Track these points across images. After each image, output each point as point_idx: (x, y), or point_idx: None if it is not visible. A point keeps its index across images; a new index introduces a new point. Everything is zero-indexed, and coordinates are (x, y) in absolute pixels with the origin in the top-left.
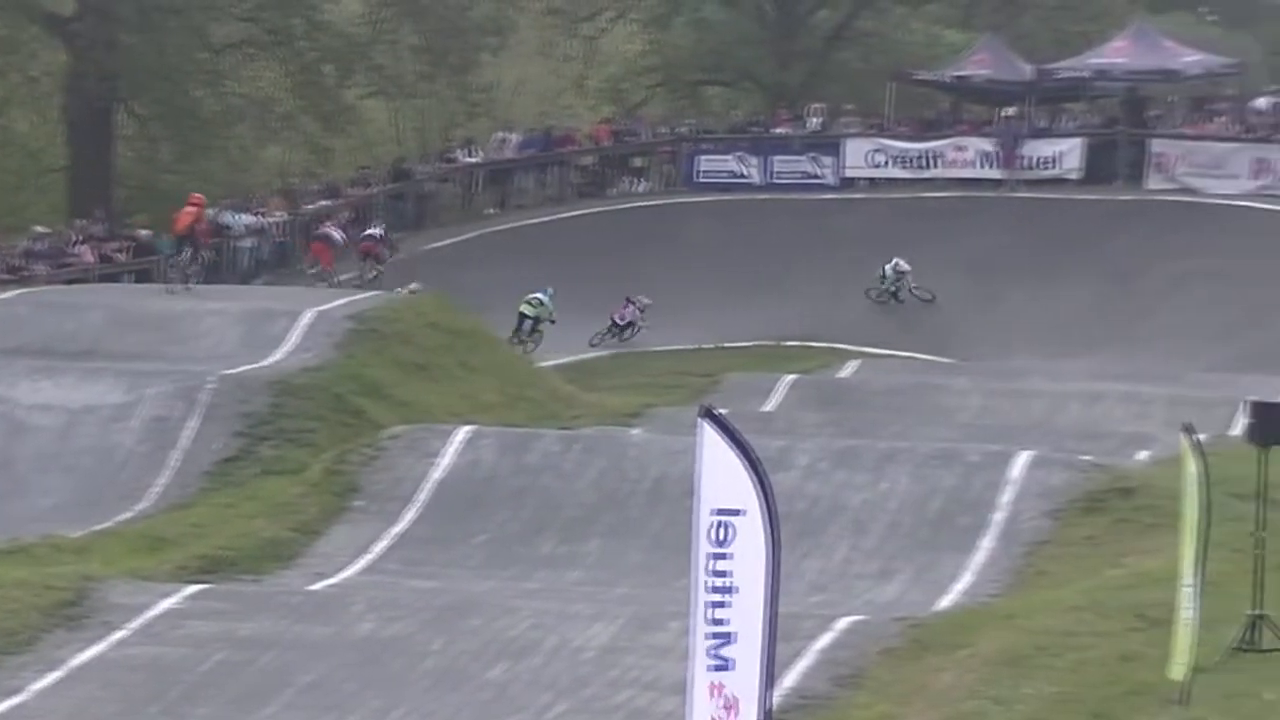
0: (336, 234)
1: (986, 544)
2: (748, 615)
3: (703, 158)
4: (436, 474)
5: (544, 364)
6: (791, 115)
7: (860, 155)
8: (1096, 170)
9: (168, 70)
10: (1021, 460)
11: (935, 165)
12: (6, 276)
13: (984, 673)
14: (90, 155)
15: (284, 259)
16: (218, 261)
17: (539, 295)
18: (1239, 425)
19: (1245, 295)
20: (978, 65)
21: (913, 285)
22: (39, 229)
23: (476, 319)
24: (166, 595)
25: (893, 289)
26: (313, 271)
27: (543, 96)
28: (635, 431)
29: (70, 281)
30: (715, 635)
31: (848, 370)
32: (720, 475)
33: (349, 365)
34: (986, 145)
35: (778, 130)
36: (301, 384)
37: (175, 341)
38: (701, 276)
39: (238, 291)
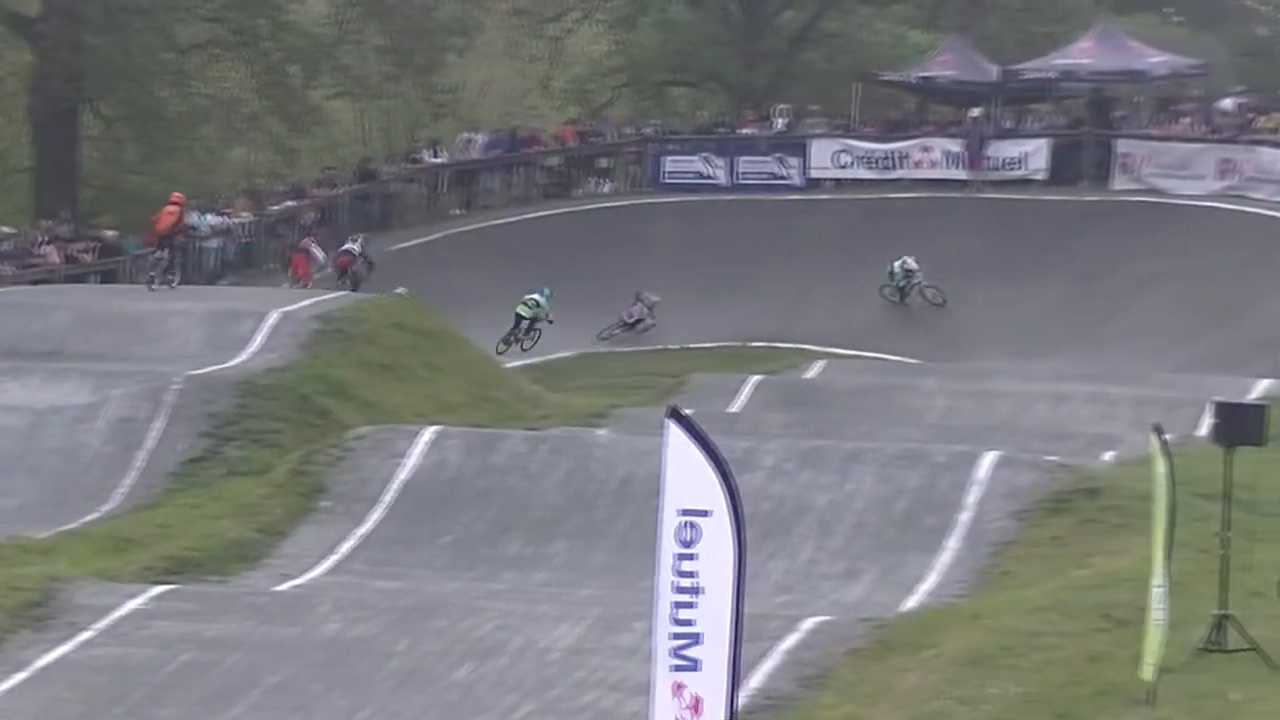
0: (317, 251)
1: (952, 544)
2: (714, 616)
3: (668, 159)
4: (402, 475)
5: (510, 364)
6: (757, 116)
7: (826, 156)
8: (1062, 171)
9: (133, 71)
10: (987, 461)
11: (901, 166)
12: None
13: (949, 673)
14: (55, 156)
15: (250, 260)
16: (184, 262)
17: (535, 296)
18: (1205, 426)
19: (1211, 296)
20: (943, 66)
21: (923, 285)
22: (4, 229)
23: (442, 319)
24: (132, 596)
25: (900, 285)
26: (290, 287)
27: (508, 97)
28: (601, 432)
29: (36, 282)
30: (681, 636)
31: (814, 371)
32: (687, 476)
33: (315, 366)
34: (952, 146)
35: (743, 131)
36: (267, 384)
37: (141, 342)
38: (667, 277)
39: (203, 292)
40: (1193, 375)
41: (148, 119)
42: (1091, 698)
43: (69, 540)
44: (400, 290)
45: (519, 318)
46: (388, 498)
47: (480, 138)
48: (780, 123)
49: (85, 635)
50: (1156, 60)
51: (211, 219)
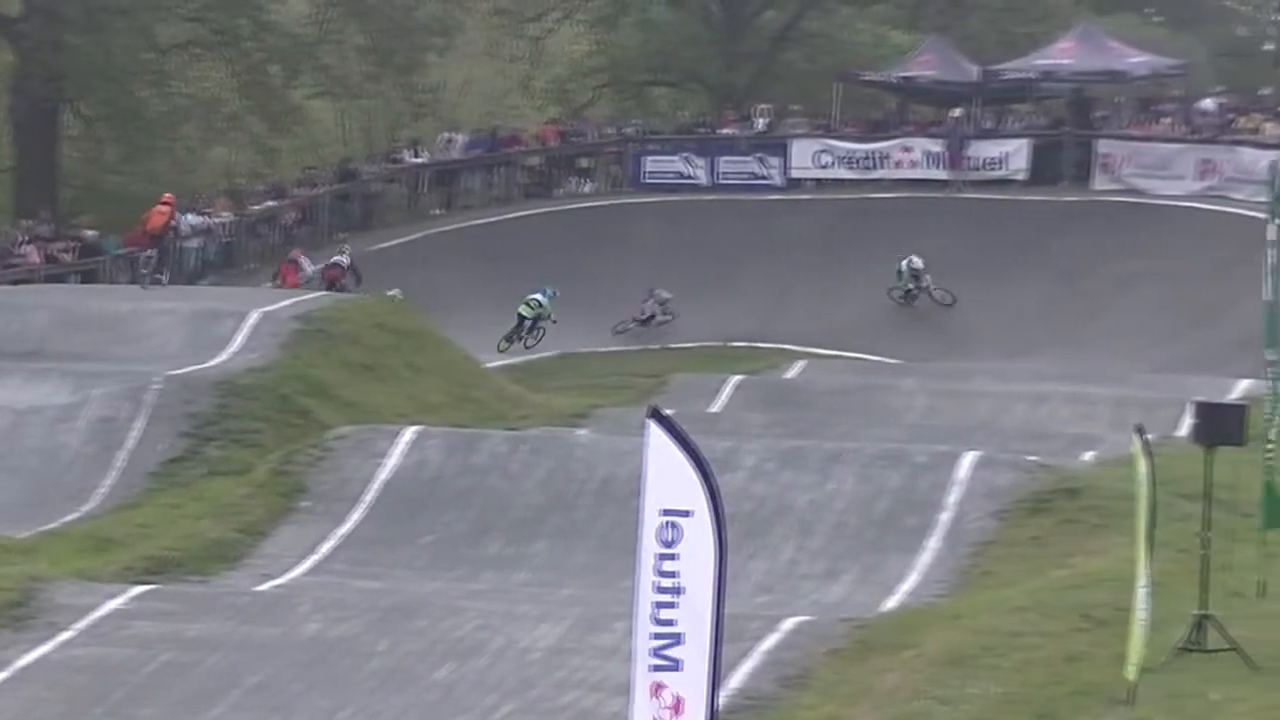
0: (306, 263)
1: (932, 544)
2: (695, 616)
3: (649, 158)
4: (383, 474)
5: (490, 365)
6: (738, 116)
7: (807, 156)
8: (1042, 171)
9: (114, 71)
10: (968, 461)
11: (882, 166)
12: None
13: (930, 673)
14: (36, 156)
15: (230, 259)
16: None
17: (537, 296)
18: (1185, 426)
19: (1191, 296)
20: (924, 66)
21: (932, 287)
22: None
23: (423, 319)
24: (113, 596)
25: (908, 288)
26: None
27: (489, 97)
28: (582, 432)
29: (16, 282)
30: (662, 636)
31: (794, 371)
32: (668, 476)
33: (295, 366)
34: (933, 146)
35: (724, 131)
36: (247, 384)
37: (121, 342)
38: (648, 277)
39: (184, 292)
40: (1173, 375)
41: (128, 119)
42: (1071, 698)
43: (49, 540)
44: (394, 292)
45: (521, 317)
46: (368, 498)
47: (461, 137)
48: (761, 123)
49: (65, 635)
50: (1137, 60)
51: (192, 219)
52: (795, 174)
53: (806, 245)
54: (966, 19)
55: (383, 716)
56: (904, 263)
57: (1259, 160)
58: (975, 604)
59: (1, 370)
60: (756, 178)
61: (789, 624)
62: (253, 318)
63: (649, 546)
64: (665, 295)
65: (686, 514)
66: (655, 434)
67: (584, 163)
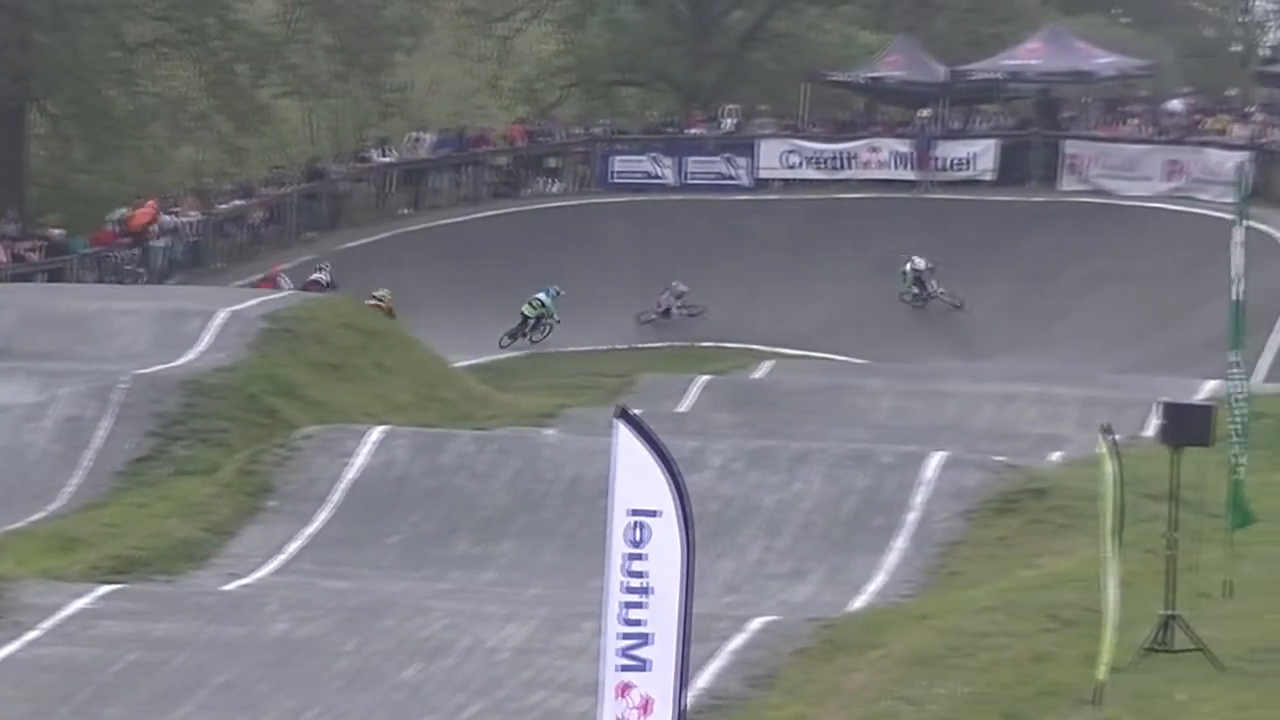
0: (286, 282)
1: (899, 544)
2: (664, 616)
3: (617, 158)
4: (350, 474)
5: (458, 364)
6: (706, 116)
7: (774, 156)
8: (1010, 171)
9: (81, 69)
10: (935, 461)
11: (849, 166)
12: None
13: (896, 673)
14: (2, 154)
15: (198, 259)
16: (121, 262)
17: (540, 296)
18: (1151, 426)
19: (1158, 297)
20: (892, 66)
21: (937, 290)
22: None
23: (391, 319)
24: (79, 595)
25: (915, 291)
26: None
27: (457, 96)
28: (550, 432)
29: None
30: (631, 636)
31: (762, 371)
32: (636, 476)
33: (262, 365)
34: (901, 146)
35: (692, 131)
36: (215, 384)
37: (88, 341)
38: (616, 277)
39: (151, 291)
40: (1139, 376)
41: (95, 117)
42: (1038, 698)
43: (15, 540)
44: (383, 292)
45: (524, 317)
46: (335, 497)
47: (428, 137)
48: (729, 123)
49: (32, 635)
50: (1104, 61)
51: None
52: (763, 174)
53: (774, 245)
54: (934, 19)
55: (350, 716)
56: (907, 265)
57: (1226, 161)
58: (942, 604)
59: None
60: (724, 178)
61: (756, 624)
62: (220, 317)
63: (617, 546)
64: (681, 288)
65: (654, 514)
66: (623, 434)
67: (552, 162)
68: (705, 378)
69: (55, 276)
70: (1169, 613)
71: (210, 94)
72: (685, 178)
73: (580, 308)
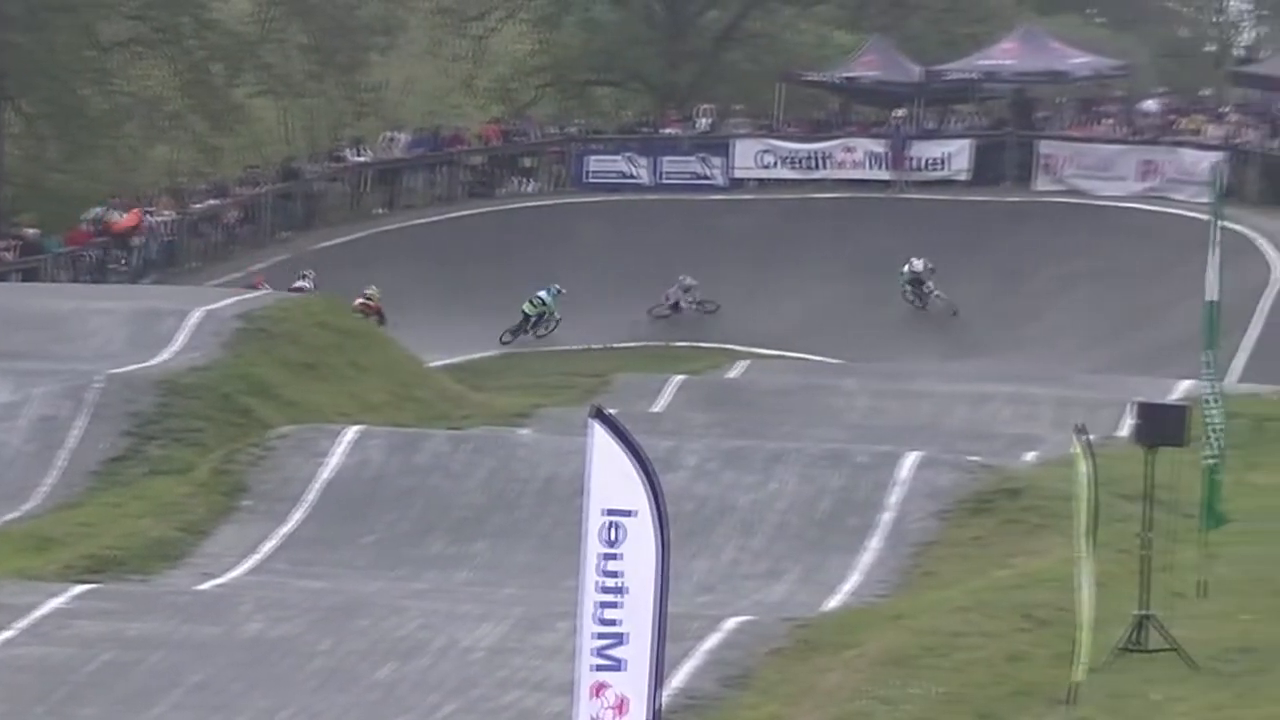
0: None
1: (874, 544)
2: (639, 615)
3: (592, 158)
4: (325, 474)
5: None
6: (681, 116)
7: (749, 156)
8: (985, 171)
9: (55, 68)
10: (909, 461)
11: (824, 166)
12: None
13: (871, 673)
14: None
15: (172, 258)
16: (105, 260)
17: (541, 294)
18: (1126, 426)
19: (1132, 296)
20: (867, 66)
21: (934, 293)
22: None
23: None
24: (54, 595)
25: (912, 294)
26: None
27: (431, 96)
28: (525, 432)
29: None
30: (606, 635)
31: (736, 371)
32: (611, 476)
33: (237, 365)
34: (875, 146)
35: (667, 131)
36: (189, 383)
37: (63, 341)
38: (591, 277)
39: (126, 291)
40: (1114, 376)
41: (70, 117)
42: (1012, 698)
43: None
44: (372, 290)
45: (525, 315)
46: (310, 497)
47: (403, 136)
48: (704, 123)
49: (6, 634)
50: (1079, 61)
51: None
52: (738, 174)
53: (749, 245)
54: (909, 19)
55: (324, 716)
56: (905, 267)
57: (1200, 161)
58: (917, 604)
59: None
60: (699, 178)
61: (731, 623)
62: (194, 316)
63: (592, 546)
64: (690, 282)
65: (629, 514)
66: (598, 434)
67: (527, 162)
68: (680, 377)
69: (30, 276)
70: (1143, 613)
71: (185, 93)
72: (660, 177)
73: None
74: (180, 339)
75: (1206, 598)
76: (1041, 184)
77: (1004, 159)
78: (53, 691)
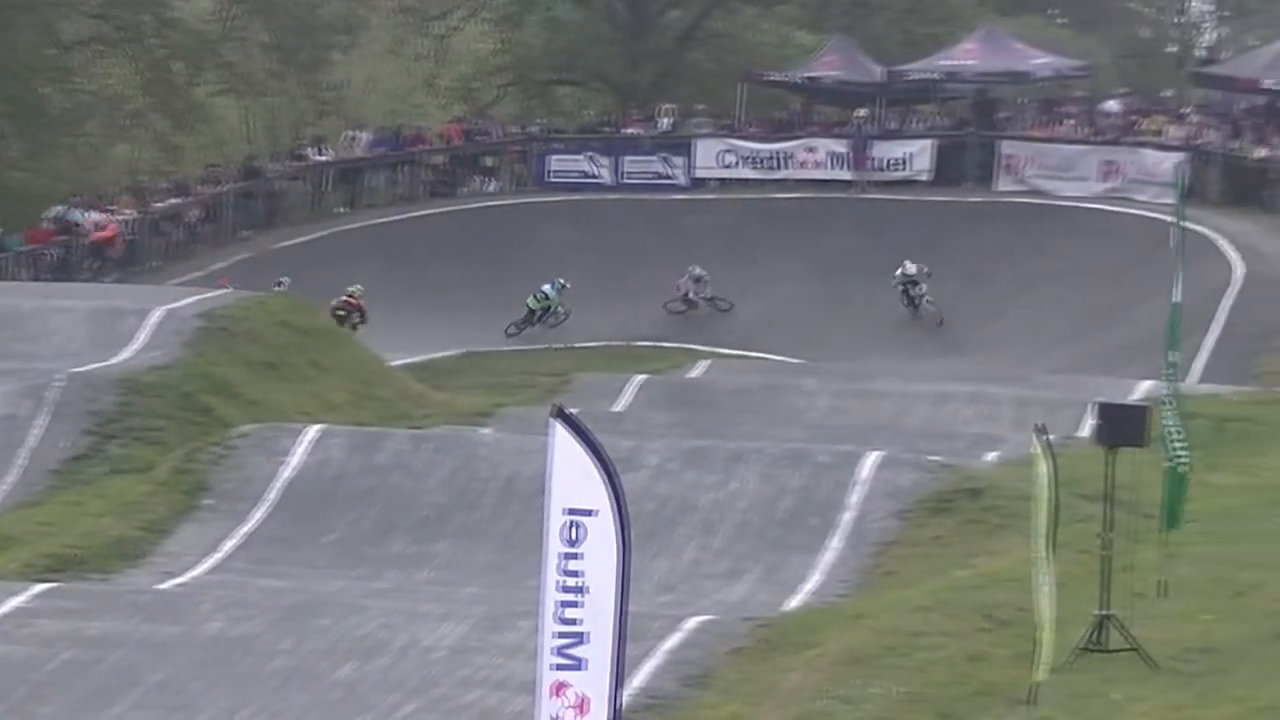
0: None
1: (835, 544)
2: (599, 615)
3: (554, 157)
4: (286, 473)
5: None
6: (642, 115)
7: (711, 156)
8: (946, 172)
9: (16, 67)
10: (870, 461)
11: (786, 166)
12: None
13: (832, 673)
14: None
15: (133, 257)
16: (66, 260)
17: (546, 288)
18: (1087, 427)
19: (1093, 297)
20: (828, 66)
21: (924, 297)
22: None
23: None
24: (13, 594)
25: (900, 288)
26: None
27: (393, 95)
28: (486, 431)
29: None
30: (566, 635)
31: (698, 371)
32: (572, 475)
33: (198, 364)
34: (837, 146)
35: (629, 130)
36: (150, 382)
37: (23, 340)
38: (552, 276)
39: (87, 289)
40: (1075, 376)
41: (31, 115)
42: (973, 697)
43: None
44: (355, 288)
45: (529, 310)
46: (271, 496)
47: (365, 135)
48: (665, 122)
49: None
50: (1040, 62)
51: (95, 216)
52: (699, 174)
53: (710, 245)
54: (871, 19)
55: (285, 715)
56: (898, 271)
57: (1161, 162)
58: (878, 604)
59: None
60: (661, 177)
61: (692, 623)
62: (155, 315)
63: (553, 546)
64: (699, 272)
65: (591, 513)
66: (559, 433)
67: (488, 161)
68: (641, 377)
69: None
70: (1104, 613)
71: (146, 92)
72: (622, 177)
73: (517, 307)
74: (141, 338)
75: (1167, 598)
76: (1003, 184)
77: (966, 159)
78: (12, 690)
